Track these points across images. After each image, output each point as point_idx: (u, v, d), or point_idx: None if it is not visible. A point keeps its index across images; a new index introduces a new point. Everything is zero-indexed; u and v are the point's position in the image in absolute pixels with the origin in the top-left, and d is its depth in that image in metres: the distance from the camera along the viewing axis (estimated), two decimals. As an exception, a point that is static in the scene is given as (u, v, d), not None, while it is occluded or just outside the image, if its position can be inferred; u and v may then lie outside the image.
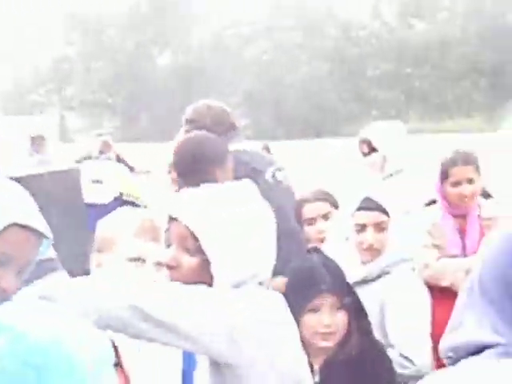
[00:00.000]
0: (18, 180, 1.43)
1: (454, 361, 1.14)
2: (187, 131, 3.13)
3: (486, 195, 3.37)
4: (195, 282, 1.49)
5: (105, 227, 2.03)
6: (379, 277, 2.59)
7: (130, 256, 1.90)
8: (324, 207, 2.89)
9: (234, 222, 1.51)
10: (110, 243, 1.95)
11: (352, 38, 31.50)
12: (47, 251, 1.36)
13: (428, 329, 2.55)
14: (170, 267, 1.56)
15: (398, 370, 2.27)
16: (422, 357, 2.45)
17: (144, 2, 33.03)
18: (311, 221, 2.89)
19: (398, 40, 29.53)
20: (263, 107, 28.63)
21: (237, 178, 2.85)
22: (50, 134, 8.74)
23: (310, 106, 27.79)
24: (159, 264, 1.79)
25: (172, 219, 1.56)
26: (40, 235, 1.29)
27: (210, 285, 1.50)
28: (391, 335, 2.48)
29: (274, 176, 3.10)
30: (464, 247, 2.98)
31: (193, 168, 2.77)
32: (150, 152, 9.63)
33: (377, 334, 2.32)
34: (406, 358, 2.42)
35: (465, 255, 2.92)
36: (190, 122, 3.16)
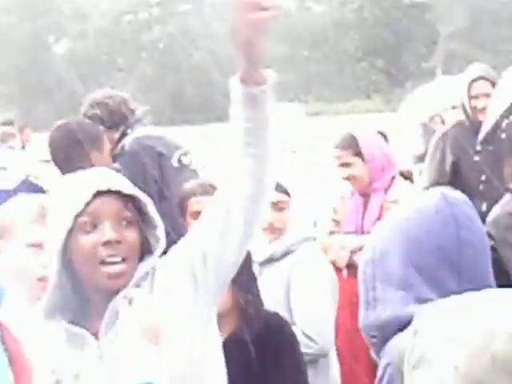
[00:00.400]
0: None
1: (382, 340, 1.19)
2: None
3: (406, 177, 3.57)
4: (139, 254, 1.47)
5: (3, 214, 2.05)
6: (285, 255, 2.66)
7: (29, 242, 1.92)
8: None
9: None
10: (8, 230, 1.97)
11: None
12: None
13: (331, 307, 2.64)
14: (117, 242, 1.43)
15: (302, 349, 2.29)
16: (325, 336, 2.53)
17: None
18: (197, 215, 2.63)
19: (294, 23, 29.89)
20: (162, 93, 28.30)
21: (142, 162, 2.89)
22: None
23: (210, 91, 27.73)
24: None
25: (99, 196, 1.45)
26: None
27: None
28: (295, 314, 2.55)
29: (180, 160, 3.14)
30: (362, 226, 3.14)
31: (67, 154, 2.84)
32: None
33: (283, 313, 2.39)
34: (308, 337, 2.48)
35: (362, 233, 3.07)
36: (87, 112, 3.15)
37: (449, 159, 3.69)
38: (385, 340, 1.15)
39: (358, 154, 3.12)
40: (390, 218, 1.29)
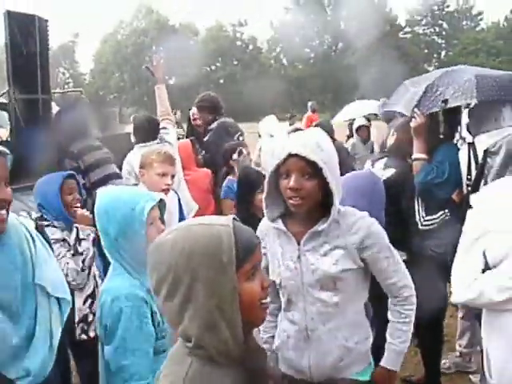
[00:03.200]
0: None
1: None
2: None
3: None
4: (313, 201, 2.29)
5: (146, 156, 3.84)
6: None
7: (159, 172, 3.79)
8: None
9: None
10: (149, 164, 3.79)
11: None
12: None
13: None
14: (294, 190, 2.24)
15: None
16: None
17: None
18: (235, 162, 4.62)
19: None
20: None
21: (221, 137, 5.50)
22: None
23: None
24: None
25: (290, 156, 2.25)
26: None
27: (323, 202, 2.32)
28: None
29: (238, 137, 5.54)
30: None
31: None
32: None
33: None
34: None
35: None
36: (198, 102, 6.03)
37: None
38: None
39: None
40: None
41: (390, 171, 3.87)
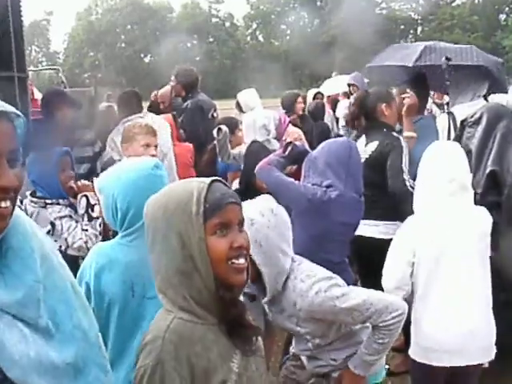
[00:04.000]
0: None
1: None
2: None
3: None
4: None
5: (127, 130, 3.82)
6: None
7: (143, 143, 3.69)
8: None
9: None
10: (132, 137, 3.74)
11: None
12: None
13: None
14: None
15: None
16: None
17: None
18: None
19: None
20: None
21: (196, 114, 5.62)
22: None
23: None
24: None
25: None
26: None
27: None
28: None
29: (212, 115, 5.46)
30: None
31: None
32: None
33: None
34: None
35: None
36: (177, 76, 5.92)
37: None
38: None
39: None
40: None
41: (373, 144, 3.93)
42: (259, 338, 1.64)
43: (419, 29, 60.85)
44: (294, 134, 4.55)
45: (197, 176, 4.94)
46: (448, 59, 3.94)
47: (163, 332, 1.45)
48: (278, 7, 57.43)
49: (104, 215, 2.37)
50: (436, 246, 2.83)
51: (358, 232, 3.22)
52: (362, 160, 3.60)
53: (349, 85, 8.11)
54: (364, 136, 4.03)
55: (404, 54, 4.27)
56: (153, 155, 3.59)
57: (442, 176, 2.85)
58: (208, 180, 1.53)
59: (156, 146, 3.76)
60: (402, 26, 60.48)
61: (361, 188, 3.10)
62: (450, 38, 42.99)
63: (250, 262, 1.58)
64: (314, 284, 2.23)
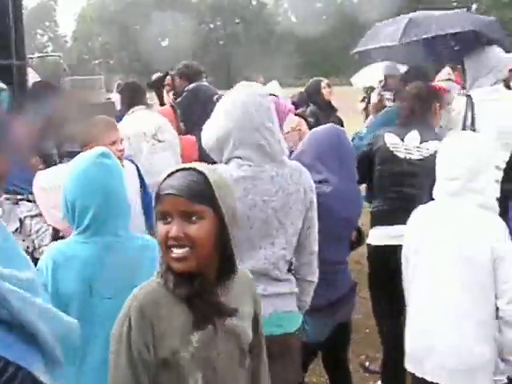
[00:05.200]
0: None
1: None
2: None
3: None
4: None
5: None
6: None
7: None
8: None
9: None
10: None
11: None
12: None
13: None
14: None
15: None
16: None
17: None
18: None
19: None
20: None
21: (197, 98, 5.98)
22: None
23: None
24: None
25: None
26: None
27: None
28: None
29: (217, 99, 5.17)
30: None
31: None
32: None
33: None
34: None
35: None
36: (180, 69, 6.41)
37: None
38: None
39: None
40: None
41: (433, 144, 3.78)
42: (239, 323, 1.83)
43: (474, 6, 60.16)
44: (292, 123, 4.55)
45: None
46: (442, 29, 4.10)
47: (138, 290, 1.78)
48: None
49: (62, 212, 2.45)
50: (417, 255, 2.87)
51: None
52: (417, 158, 3.74)
53: (385, 76, 8.14)
54: (417, 132, 3.91)
55: (387, 32, 4.35)
56: (120, 150, 3.66)
57: (444, 173, 2.84)
58: (176, 167, 1.79)
59: (122, 140, 3.82)
60: (455, 3, 59.86)
61: (355, 175, 3.20)
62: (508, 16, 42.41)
63: None
64: None
